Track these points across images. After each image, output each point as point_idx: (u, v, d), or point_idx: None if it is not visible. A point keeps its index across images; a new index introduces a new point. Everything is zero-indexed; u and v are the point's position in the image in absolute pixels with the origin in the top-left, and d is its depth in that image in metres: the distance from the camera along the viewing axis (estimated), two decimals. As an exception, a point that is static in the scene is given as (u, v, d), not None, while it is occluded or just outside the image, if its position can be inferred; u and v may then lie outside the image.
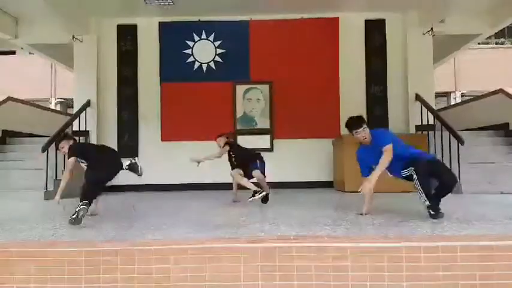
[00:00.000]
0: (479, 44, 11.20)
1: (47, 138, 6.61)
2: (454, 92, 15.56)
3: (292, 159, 7.77)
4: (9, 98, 8.48)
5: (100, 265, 2.23)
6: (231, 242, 2.34)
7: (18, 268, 2.25)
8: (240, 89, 8.01)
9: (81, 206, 3.24)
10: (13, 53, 15.65)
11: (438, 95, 14.23)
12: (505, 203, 4.76)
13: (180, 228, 3.13)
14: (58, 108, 15.38)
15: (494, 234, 2.59)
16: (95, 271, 2.23)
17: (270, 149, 7.78)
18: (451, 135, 6.49)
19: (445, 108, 10.75)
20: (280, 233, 2.70)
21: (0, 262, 2.28)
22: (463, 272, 2.18)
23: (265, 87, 7.99)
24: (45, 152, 6.27)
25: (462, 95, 15.35)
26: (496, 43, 15.83)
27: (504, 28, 9.83)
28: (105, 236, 2.75)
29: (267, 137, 7.87)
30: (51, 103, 15.77)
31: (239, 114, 8.01)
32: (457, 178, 3.34)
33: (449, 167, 6.17)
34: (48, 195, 6.04)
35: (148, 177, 7.64)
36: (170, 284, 2.17)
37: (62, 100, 15.97)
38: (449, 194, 3.39)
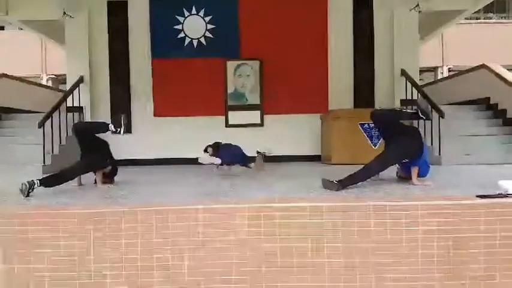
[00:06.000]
0: (467, 19, 11.35)
1: (43, 114, 6.78)
2: (441, 66, 15.80)
3: (282, 134, 8.01)
4: (3, 75, 8.54)
5: (107, 225, 2.54)
6: (222, 203, 2.65)
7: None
8: (231, 65, 8.16)
9: None
10: (1, 28, 15.46)
11: (426, 70, 14.46)
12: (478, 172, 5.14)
13: (177, 194, 3.43)
14: (50, 84, 15.34)
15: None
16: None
17: (261, 124, 8.04)
18: (433, 110, 6.78)
19: (430, 83, 11.03)
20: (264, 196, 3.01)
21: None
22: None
23: (256, 63, 8.15)
24: (42, 128, 6.47)
25: (449, 70, 15.59)
26: (485, 18, 15.98)
27: (493, 3, 9.96)
28: (106, 202, 3.05)
29: (258, 112, 8.11)
30: (42, 79, 15.71)
31: (230, 90, 8.20)
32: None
33: (430, 139, 6.59)
34: (46, 170, 6.26)
35: (141, 152, 8.02)
36: (169, 240, 2.49)
37: (54, 76, 15.91)
38: None
